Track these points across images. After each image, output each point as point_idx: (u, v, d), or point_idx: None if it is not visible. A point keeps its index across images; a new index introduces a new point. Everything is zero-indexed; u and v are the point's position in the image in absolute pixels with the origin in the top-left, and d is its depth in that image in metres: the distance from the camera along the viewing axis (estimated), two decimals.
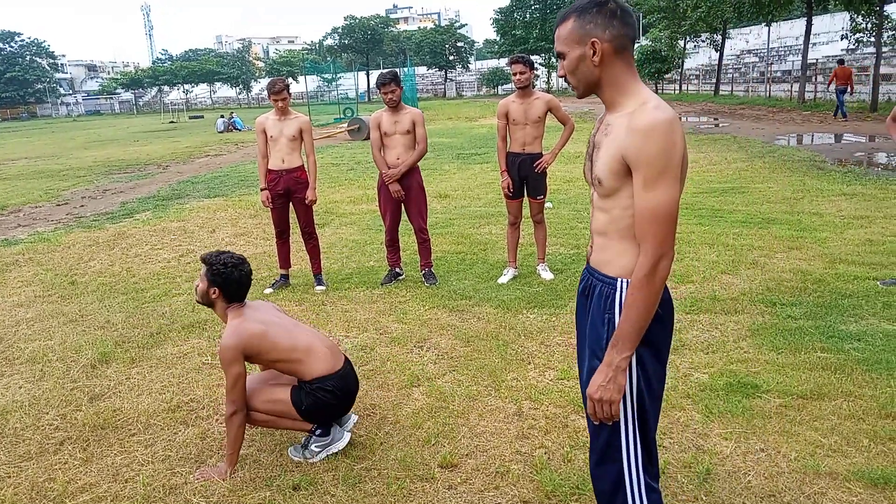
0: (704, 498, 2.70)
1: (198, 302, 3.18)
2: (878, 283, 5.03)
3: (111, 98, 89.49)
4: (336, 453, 3.14)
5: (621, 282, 1.83)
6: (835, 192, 8.56)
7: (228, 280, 3.05)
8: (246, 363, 3.03)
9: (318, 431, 3.13)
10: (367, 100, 58.25)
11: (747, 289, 5.08)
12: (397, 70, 7.60)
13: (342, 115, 30.07)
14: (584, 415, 2.04)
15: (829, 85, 21.57)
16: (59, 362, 4.41)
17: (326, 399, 3.05)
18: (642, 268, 1.73)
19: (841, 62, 21.61)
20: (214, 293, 3.08)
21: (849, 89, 20.24)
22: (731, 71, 39.93)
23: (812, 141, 15.15)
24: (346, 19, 72.27)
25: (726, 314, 4.63)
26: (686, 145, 1.76)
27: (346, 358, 3.24)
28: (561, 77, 1.91)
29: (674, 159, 1.68)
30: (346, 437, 3.19)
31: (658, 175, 1.68)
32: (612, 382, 1.79)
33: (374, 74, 66.22)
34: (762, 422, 3.22)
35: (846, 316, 4.46)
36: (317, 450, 3.13)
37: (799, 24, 34.45)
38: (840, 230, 6.62)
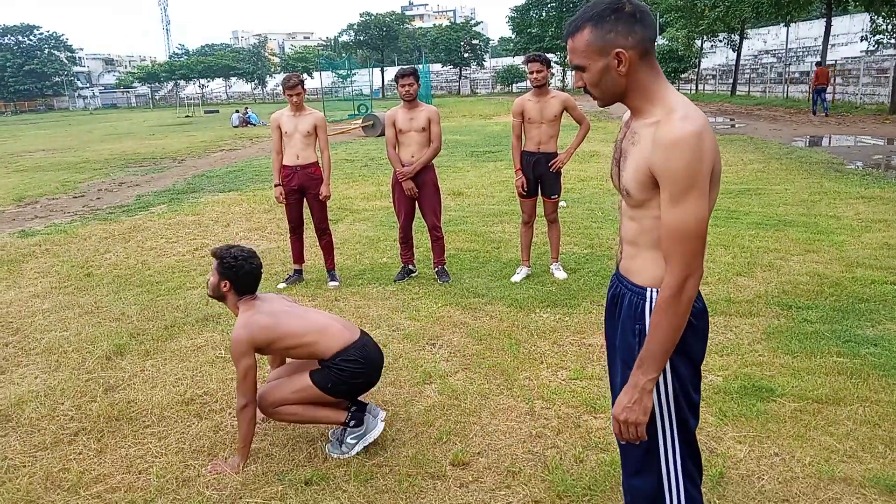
0: (717, 502, 2.69)
1: (210, 296, 3.22)
2: None
3: (128, 92, 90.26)
4: None
5: (651, 291, 1.77)
6: (852, 195, 8.47)
7: (239, 273, 3.09)
8: (257, 355, 3.05)
9: (351, 423, 3.12)
10: (381, 96, 58.35)
11: (763, 291, 5.04)
12: (415, 66, 7.60)
13: (356, 112, 30.13)
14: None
15: (812, 85, 23.03)
16: (75, 353, 4.46)
17: (351, 369, 3.03)
18: (668, 287, 1.64)
19: (819, 63, 22.97)
20: (225, 286, 3.11)
21: (828, 88, 21.88)
22: (748, 71, 39.60)
23: (829, 143, 15.00)
24: (361, 16, 72.51)
25: (741, 316, 4.60)
26: (718, 151, 1.66)
27: (363, 331, 3.24)
28: (580, 88, 1.77)
29: (701, 174, 1.59)
30: (380, 425, 3.17)
31: (684, 191, 1.59)
32: (637, 404, 1.72)
33: (389, 71, 66.09)
34: (777, 426, 3.19)
35: (863, 320, 4.41)
36: (353, 442, 3.12)
37: (818, 25, 34.08)
38: (857, 233, 6.55)
